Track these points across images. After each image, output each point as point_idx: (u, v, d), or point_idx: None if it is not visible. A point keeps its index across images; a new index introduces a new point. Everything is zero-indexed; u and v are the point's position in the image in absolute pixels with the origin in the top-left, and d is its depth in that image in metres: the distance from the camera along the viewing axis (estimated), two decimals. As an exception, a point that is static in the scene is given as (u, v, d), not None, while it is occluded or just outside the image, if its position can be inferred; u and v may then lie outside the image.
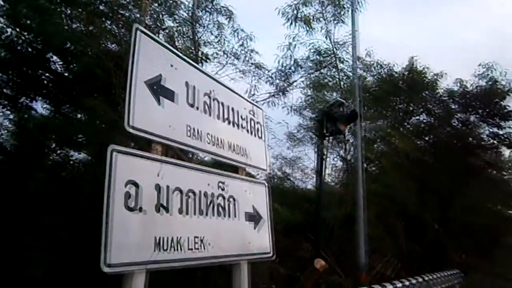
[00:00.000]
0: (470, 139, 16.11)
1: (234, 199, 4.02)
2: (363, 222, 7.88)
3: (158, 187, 3.13)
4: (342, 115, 7.40)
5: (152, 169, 3.14)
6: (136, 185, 2.91)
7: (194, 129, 3.71)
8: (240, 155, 4.41)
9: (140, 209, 2.91)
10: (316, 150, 7.30)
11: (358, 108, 8.04)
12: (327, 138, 7.57)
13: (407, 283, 7.34)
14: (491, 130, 15.83)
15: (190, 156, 6.07)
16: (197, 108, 3.86)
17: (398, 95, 15.42)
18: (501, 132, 15.50)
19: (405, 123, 16.28)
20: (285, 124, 12.05)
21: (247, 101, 5.08)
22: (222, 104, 4.29)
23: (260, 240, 4.36)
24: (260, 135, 4.98)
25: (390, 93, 14.89)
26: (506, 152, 17.34)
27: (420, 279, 8.14)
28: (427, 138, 16.64)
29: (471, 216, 15.46)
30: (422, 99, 15.77)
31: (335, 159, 13.11)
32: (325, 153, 10.13)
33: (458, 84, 15.54)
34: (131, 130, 3.01)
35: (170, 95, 3.49)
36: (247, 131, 4.70)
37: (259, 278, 6.65)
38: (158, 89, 3.35)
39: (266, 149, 5.12)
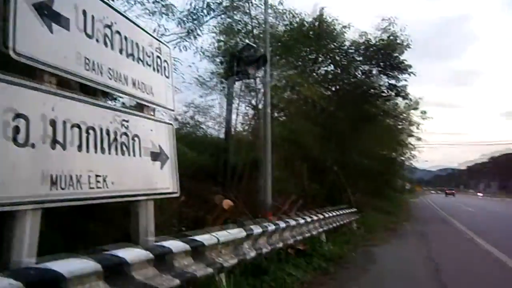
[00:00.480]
0: (371, 89, 17.43)
1: (136, 137, 3.88)
2: (270, 166, 8.24)
3: (47, 120, 2.85)
4: (251, 58, 7.42)
5: (40, 100, 2.84)
6: (19, 115, 2.63)
7: (90, 61, 3.41)
8: (144, 92, 4.21)
9: (26, 142, 2.66)
10: (226, 94, 7.23)
11: (267, 53, 8.11)
12: (236, 82, 7.57)
13: (309, 219, 8.02)
14: (389, 82, 17.25)
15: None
16: (94, 38, 3.53)
17: (307, 45, 15.87)
18: (397, 84, 16.99)
19: (313, 73, 16.95)
20: (195, 68, 11.84)
21: (153, 37, 4.79)
22: (124, 37, 3.98)
23: (164, 178, 4.33)
24: (166, 74, 4.78)
25: (300, 42, 15.26)
26: (400, 103, 19.25)
27: (321, 216, 8.92)
28: (332, 88, 17.62)
29: (367, 159, 17.08)
30: (329, 50, 16.46)
31: (246, 107, 13.35)
32: (234, 96, 10.17)
33: (363, 36, 16.41)
34: (13, 55, 2.66)
35: (61, 20, 3.11)
36: (152, 68, 4.48)
37: (167, 219, 6.70)
38: (46, 11, 2.97)
39: (172, 89, 4.96)
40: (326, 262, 7.03)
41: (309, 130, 13.65)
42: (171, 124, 4.75)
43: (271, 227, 5.94)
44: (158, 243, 3.41)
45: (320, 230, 8.54)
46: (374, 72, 17.24)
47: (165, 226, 6.44)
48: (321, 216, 8.91)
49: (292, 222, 7.04)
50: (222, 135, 13.14)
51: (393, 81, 16.91)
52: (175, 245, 3.51)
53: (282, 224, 6.53)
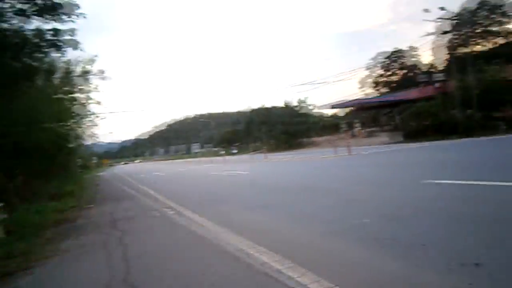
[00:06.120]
0: (25, 37, 12.54)
1: None
2: None
3: None
4: None
5: None
6: None
7: None
8: None
9: None
10: None
11: None
12: None
13: None
14: (38, 26, 12.63)
15: None
16: None
17: None
18: (47, 28, 12.54)
19: None
20: None
21: None
22: None
23: None
24: None
25: None
26: (55, 54, 14.34)
27: None
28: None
29: (34, 131, 12.64)
30: None
31: None
32: None
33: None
34: None
35: None
36: None
37: None
38: None
39: None
40: None
41: None
42: None
43: None
44: None
45: None
46: (28, 13, 12.41)
47: None
48: None
49: None
50: None
51: (56, 25, 12.55)
52: None
53: None
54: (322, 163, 19.56)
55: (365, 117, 61.87)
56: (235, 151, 68.48)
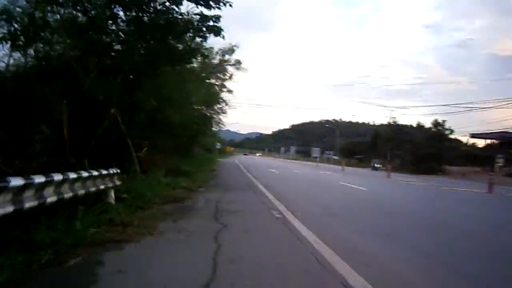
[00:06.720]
0: (177, 18, 13.34)
1: None
2: None
3: None
4: None
5: None
6: None
7: None
8: None
9: None
10: None
11: None
12: None
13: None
14: (198, 10, 13.26)
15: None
16: None
17: None
18: (209, 14, 13.09)
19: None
20: None
21: None
22: None
23: None
24: None
25: None
26: (212, 39, 15.34)
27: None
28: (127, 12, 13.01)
29: (167, 108, 13.46)
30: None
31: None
32: None
33: None
34: None
35: None
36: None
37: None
38: None
39: None
40: None
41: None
42: None
43: None
44: None
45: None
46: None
47: None
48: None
49: None
50: None
51: (204, 10, 12.99)
52: None
53: None
54: (456, 197, 17.09)
55: (510, 153, 53.59)
56: (378, 165, 60.16)
